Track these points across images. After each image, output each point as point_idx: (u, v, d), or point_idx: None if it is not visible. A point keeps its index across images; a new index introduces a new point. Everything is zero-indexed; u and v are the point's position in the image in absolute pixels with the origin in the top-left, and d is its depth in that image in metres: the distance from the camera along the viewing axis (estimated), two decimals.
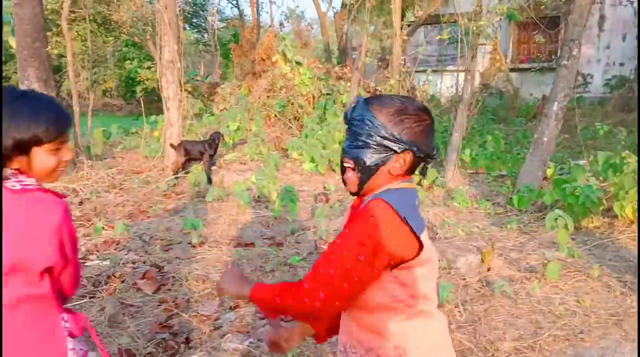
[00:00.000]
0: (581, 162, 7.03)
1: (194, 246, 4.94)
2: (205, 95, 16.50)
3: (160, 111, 10.07)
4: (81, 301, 3.78)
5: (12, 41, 15.50)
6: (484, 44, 9.49)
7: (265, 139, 9.64)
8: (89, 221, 5.68)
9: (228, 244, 5.02)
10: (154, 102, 16.02)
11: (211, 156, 7.66)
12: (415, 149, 1.42)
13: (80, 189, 6.79)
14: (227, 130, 9.45)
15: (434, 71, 12.81)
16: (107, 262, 4.45)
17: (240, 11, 25.38)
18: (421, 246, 1.39)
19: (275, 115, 10.85)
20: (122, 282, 4.09)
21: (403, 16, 13.46)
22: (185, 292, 3.96)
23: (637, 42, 13.13)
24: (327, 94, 11.08)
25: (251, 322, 3.55)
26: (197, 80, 18.40)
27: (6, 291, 1.48)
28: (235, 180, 7.16)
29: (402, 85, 9.40)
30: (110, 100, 24.01)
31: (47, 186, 1.58)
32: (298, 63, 11.56)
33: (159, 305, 3.77)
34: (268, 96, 11.25)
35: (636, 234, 5.03)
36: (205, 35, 25.13)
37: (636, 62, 13.62)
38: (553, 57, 12.67)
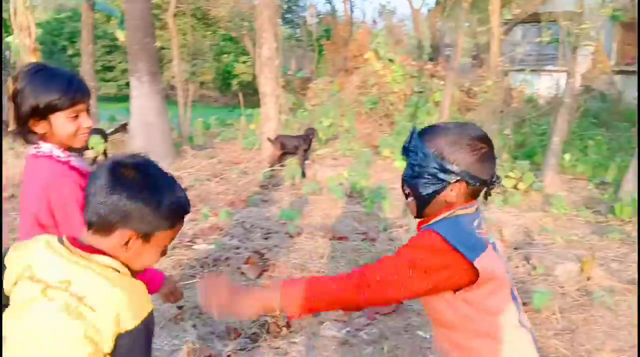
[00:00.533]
0: None
1: (291, 236, 5.18)
2: (298, 90, 16.91)
3: (254, 104, 10.51)
4: (191, 281, 4.11)
5: (120, 34, 16.54)
6: (587, 45, 9.11)
7: (356, 136, 9.79)
8: (194, 206, 6.08)
9: (323, 236, 5.22)
10: (248, 95, 16.60)
11: (305, 151, 7.91)
12: (468, 178, 1.44)
13: (186, 176, 7.27)
14: (320, 126, 9.69)
15: (532, 70, 12.44)
16: (212, 247, 4.79)
17: (333, 7, 25.66)
18: (477, 270, 1.40)
19: (367, 112, 10.98)
20: (227, 266, 4.39)
21: (500, 14, 13.14)
22: (285, 279, 4.19)
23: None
24: (420, 91, 11.06)
25: (347, 312, 3.72)
26: (289, 75, 18.88)
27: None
28: (327, 175, 7.37)
29: (499, 86, 9.21)
30: (206, 92, 25.07)
31: (61, 156, 1.75)
32: (390, 60, 11.61)
33: None
34: (360, 93, 11.40)
35: None
36: (298, 30, 25.64)
37: None
38: None
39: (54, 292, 1.16)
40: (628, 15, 8.86)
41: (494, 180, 1.48)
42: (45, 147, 1.74)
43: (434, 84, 11.20)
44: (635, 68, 13.21)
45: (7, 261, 1.27)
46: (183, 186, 6.07)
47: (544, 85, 12.58)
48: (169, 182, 1.27)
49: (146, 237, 1.22)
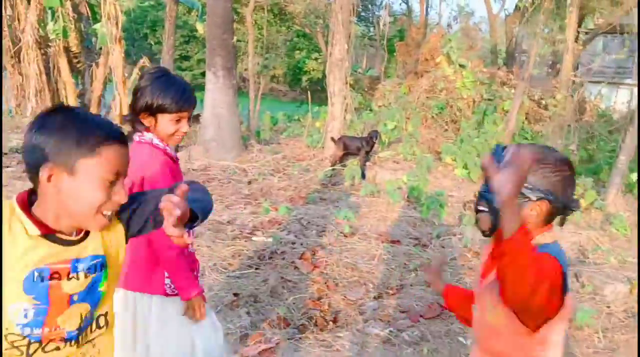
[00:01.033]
0: None
1: (345, 236, 5.39)
2: (366, 89, 17.05)
3: (322, 101, 10.76)
4: (248, 270, 4.41)
5: (199, 27, 17.19)
6: None
7: (419, 140, 9.85)
8: (255, 200, 6.43)
9: (376, 238, 5.40)
10: (317, 92, 16.91)
11: (367, 153, 8.09)
12: (551, 198, 1.40)
13: (250, 169, 7.62)
14: (384, 129, 9.82)
15: (609, 83, 12.01)
16: (270, 240, 5.08)
17: (409, 7, 25.55)
18: (567, 307, 1.36)
19: (433, 117, 10.98)
20: (283, 259, 4.67)
21: (581, 23, 12.75)
22: (336, 277, 4.42)
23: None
24: (489, 99, 10.93)
25: (392, 313, 3.90)
26: (359, 74, 19.04)
27: None
28: (387, 178, 7.52)
29: (569, 100, 9.01)
30: (276, 86, 25.67)
31: (160, 144, 2.10)
32: (462, 66, 11.54)
33: (313, 284, 4.26)
34: (427, 97, 11.40)
35: None
36: (372, 29, 25.74)
37: None
38: None
39: None
40: None
41: (574, 205, 1.45)
42: (147, 135, 2.10)
43: (504, 92, 11.04)
44: None
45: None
46: (247, 179, 6.45)
47: (621, 99, 12.12)
48: (86, 114, 1.26)
49: (69, 169, 1.19)
